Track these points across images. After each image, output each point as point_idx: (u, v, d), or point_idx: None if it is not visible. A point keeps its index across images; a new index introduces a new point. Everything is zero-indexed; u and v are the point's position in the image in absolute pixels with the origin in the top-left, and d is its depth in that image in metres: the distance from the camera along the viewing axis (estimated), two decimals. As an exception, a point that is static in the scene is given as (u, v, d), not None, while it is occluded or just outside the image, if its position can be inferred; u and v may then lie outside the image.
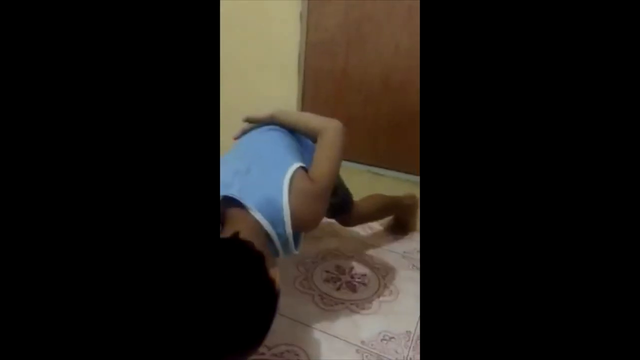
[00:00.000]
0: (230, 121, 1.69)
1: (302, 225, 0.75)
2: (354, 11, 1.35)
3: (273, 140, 0.91)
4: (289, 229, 0.73)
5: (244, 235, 0.66)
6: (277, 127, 0.97)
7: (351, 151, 1.58)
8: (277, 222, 0.72)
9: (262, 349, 0.88)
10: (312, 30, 1.42)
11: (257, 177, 0.76)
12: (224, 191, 0.73)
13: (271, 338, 0.90)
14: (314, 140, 0.91)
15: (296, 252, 0.78)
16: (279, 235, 0.73)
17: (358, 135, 1.50)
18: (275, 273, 0.64)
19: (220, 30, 1.69)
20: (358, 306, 1.04)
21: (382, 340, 0.93)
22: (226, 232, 0.68)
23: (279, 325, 0.94)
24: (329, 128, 0.89)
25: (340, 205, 1.14)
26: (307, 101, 1.52)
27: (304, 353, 0.87)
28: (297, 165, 0.79)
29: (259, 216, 0.71)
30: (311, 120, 0.95)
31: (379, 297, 1.08)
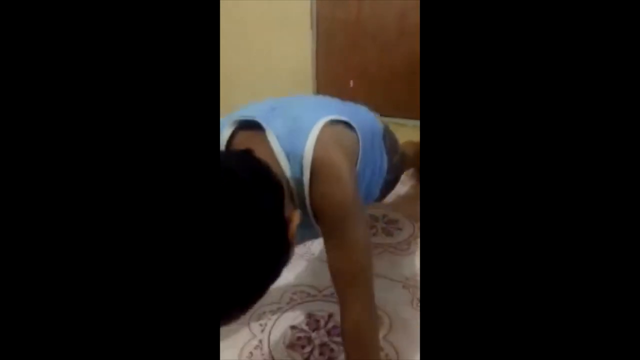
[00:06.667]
0: (243, 82, 1.68)
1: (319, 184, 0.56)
2: (364, -45, 1.31)
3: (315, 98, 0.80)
4: (306, 175, 0.56)
5: (259, 155, 0.50)
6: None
7: (370, 103, 1.58)
8: (294, 159, 0.56)
9: (312, 291, 0.91)
10: (322, -20, 1.38)
11: (284, 111, 0.62)
12: (244, 115, 0.60)
13: (320, 281, 0.93)
14: None
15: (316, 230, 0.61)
16: (294, 179, 0.56)
17: (375, 87, 1.48)
18: (293, 214, 0.48)
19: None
20: (396, 248, 1.06)
21: (425, 276, 0.96)
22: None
23: (325, 270, 0.97)
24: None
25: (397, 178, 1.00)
26: (321, 55, 1.50)
27: (353, 292, 0.90)
28: (333, 117, 0.62)
29: (274, 141, 0.56)
30: None
31: (415, 238, 1.10)
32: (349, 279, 0.60)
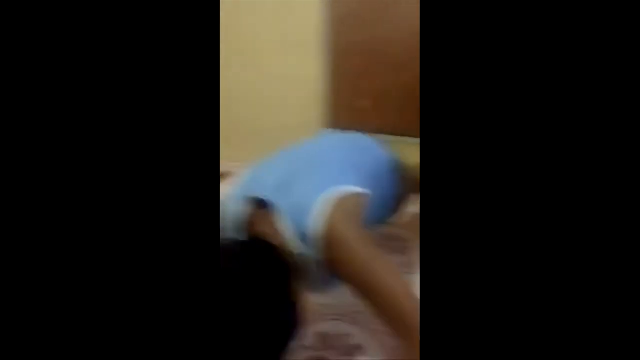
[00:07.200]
0: (255, 105, 1.69)
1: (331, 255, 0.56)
2: (375, -20, 1.33)
3: (331, 146, 0.79)
4: (317, 252, 0.56)
5: (271, 239, 0.54)
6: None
7: (382, 125, 1.59)
8: (304, 235, 0.57)
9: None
10: (334, 5, 1.40)
11: (291, 186, 0.63)
12: (256, 192, 0.64)
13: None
14: None
15: (334, 289, 0.63)
16: (305, 254, 0.58)
17: (388, 108, 1.49)
18: (300, 295, 0.52)
19: (241, 12, 1.66)
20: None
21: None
22: (248, 235, 0.59)
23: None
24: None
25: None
26: (333, 77, 1.51)
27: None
28: (347, 188, 0.61)
29: (283, 221, 0.58)
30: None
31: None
32: (400, 325, 0.54)
